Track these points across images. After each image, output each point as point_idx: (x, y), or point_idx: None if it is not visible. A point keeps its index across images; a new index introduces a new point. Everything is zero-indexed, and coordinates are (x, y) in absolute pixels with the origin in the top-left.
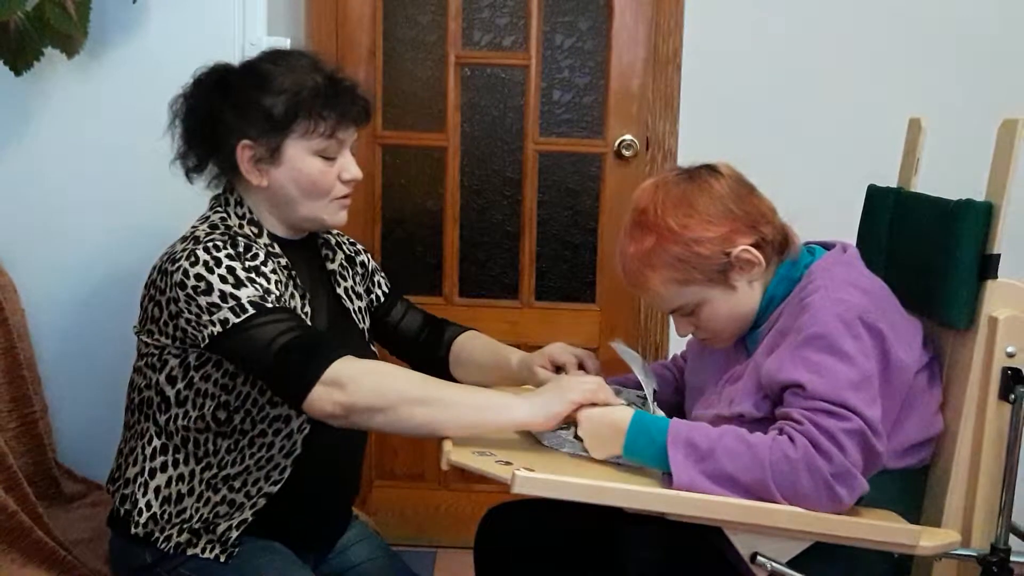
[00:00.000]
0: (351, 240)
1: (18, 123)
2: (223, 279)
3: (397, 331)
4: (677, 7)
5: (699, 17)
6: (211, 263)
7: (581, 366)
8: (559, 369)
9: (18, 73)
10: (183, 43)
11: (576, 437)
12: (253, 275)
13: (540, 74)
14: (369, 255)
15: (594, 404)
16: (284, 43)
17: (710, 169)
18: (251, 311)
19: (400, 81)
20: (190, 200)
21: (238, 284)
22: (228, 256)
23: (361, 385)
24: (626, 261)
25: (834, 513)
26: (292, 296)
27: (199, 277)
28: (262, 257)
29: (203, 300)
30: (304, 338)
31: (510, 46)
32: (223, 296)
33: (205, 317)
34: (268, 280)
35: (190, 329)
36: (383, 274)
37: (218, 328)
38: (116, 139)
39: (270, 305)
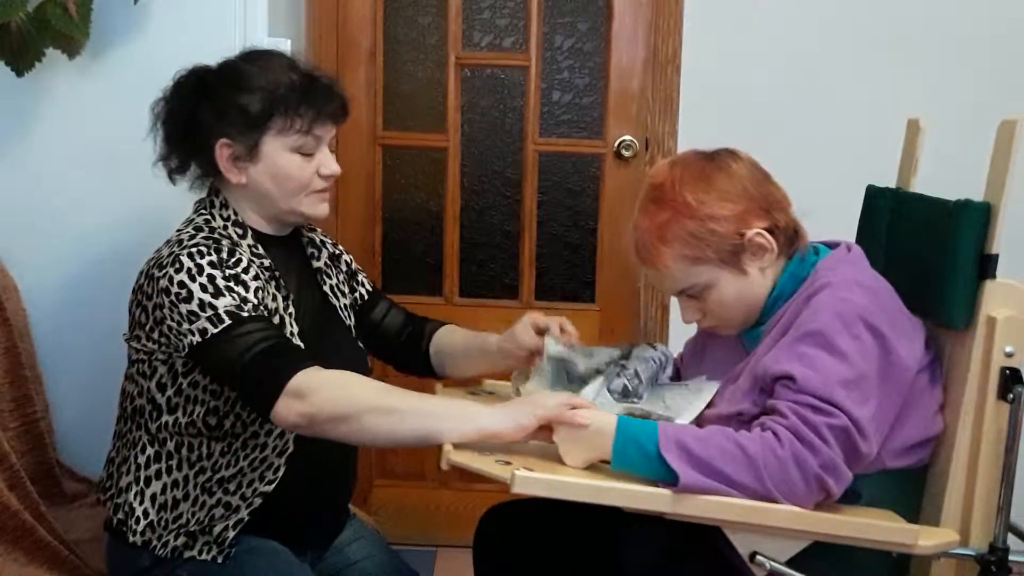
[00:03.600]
0: (333, 241)
1: (20, 124)
2: (203, 288)
3: (380, 329)
4: (677, 8)
5: (699, 17)
6: (193, 270)
7: (562, 328)
8: (542, 333)
9: (20, 74)
10: (184, 44)
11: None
12: (232, 283)
13: (540, 75)
14: (351, 256)
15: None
16: (285, 44)
17: (729, 152)
18: (227, 321)
19: (400, 82)
20: (192, 200)
21: (217, 293)
22: (210, 263)
23: (322, 396)
24: (639, 235)
25: (823, 505)
26: (274, 298)
27: (182, 284)
28: (245, 262)
29: (184, 308)
30: (272, 349)
31: (510, 47)
32: (202, 305)
33: (185, 326)
34: (247, 288)
35: (172, 336)
36: (365, 274)
37: (197, 338)
38: (117, 140)
39: (245, 314)
